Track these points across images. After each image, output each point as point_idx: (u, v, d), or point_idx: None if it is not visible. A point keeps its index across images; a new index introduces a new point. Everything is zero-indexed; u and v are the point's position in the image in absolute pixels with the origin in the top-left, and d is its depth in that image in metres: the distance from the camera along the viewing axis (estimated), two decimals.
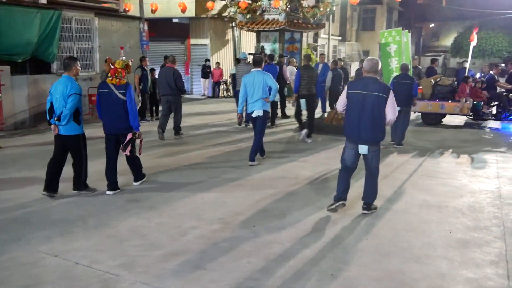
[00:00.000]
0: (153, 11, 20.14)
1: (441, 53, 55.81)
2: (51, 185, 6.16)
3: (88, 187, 6.45)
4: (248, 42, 23.50)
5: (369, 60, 5.48)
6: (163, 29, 21.15)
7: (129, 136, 6.29)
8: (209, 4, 19.84)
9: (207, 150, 9.41)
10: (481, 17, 40.23)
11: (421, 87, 12.82)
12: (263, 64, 8.81)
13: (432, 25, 54.74)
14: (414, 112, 12.92)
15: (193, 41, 21.59)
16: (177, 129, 10.89)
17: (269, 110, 8.39)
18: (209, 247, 4.65)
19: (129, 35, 15.41)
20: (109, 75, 6.36)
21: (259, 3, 20.16)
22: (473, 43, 14.61)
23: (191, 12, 19.95)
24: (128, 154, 6.38)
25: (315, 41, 30.95)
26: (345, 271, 4.16)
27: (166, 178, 7.25)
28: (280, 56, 15.04)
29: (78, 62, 6.23)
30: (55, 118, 5.98)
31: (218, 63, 21.12)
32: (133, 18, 15.93)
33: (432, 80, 13.59)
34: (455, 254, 4.53)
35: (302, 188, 6.73)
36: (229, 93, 21.61)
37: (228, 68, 22.37)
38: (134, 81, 12.78)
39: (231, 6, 20.45)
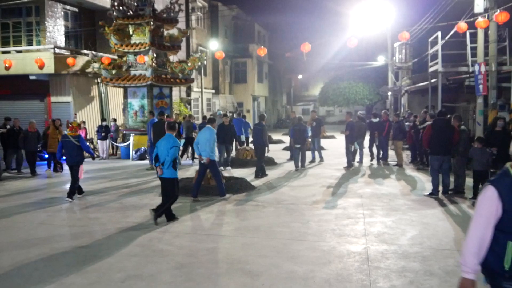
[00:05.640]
0: (7, 68, 18.64)
1: (311, 102, 59.04)
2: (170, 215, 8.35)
3: (175, 217, 8.38)
4: (116, 98, 22.39)
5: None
6: (19, 86, 19.46)
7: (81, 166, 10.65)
8: (69, 60, 18.61)
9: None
10: (342, 69, 43.36)
11: None
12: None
13: (300, 77, 57.93)
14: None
15: (53, 98, 19.94)
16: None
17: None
18: None
19: None
20: (68, 129, 11.00)
21: (124, 58, 19.38)
22: None
23: (49, 68, 18.55)
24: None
25: (188, 94, 30.70)
26: None
27: None
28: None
29: (176, 124, 9.42)
30: (161, 164, 8.11)
31: (84, 122, 19.48)
32: None
33: None
34: None
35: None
36: (97, 153, 20.17)
37: (95, 125, 20.96)
38: None
39: (94, 62, 19.37)
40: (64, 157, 11.21)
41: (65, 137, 10.75)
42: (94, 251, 6.66)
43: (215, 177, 10.32)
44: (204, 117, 17.45)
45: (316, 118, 16.81)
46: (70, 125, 10.92)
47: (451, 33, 16.87)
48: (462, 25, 14.52)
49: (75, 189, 10.64)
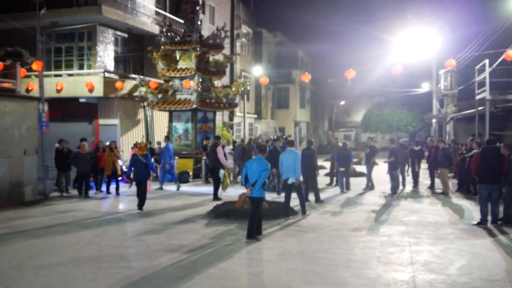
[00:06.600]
0: (58, 91, 19.29)
1: (353, 129, 58.51)
2: (251, 234, 8.63)
3: (255, 237, 8.65)
4: (161, 121, 22.93)
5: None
6: (69, 108, 20.12)
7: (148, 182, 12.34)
8: (118, 84, 19.22)
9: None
10: (386, 95, 42.88)
11: None
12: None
13: (343, 103, 57.63)
14: None
15: (101, 121, 20.55)
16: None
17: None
18: None
19: (26, 116, 14.24)
20: (137, 149, 12.31)
21: (170, 83, 19.92)
22: None
23: (99, 92, 19.17)
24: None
25: (231, 119, 31.07)
26: None
27: None
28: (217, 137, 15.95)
29: (267, 147, 10.01)
30: (251, 184, 8.56)
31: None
32: (31, 98, 14.89)
33: None
34: None
35: None
36: None
37: None
38: None
39: (142, 86, 20.00)
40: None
41: (134, 155, 12.24)
42: (139, 272, 6.78)
43: (300, 196, 11.26)
44: (267, 141, 18.35)
45: (370, 145, 16.66)
46: (138, 145, 12.37)
47: (499, 60, 16.52)
48: (510, 53, 14.23)
49: (144, 201, 12.07)
